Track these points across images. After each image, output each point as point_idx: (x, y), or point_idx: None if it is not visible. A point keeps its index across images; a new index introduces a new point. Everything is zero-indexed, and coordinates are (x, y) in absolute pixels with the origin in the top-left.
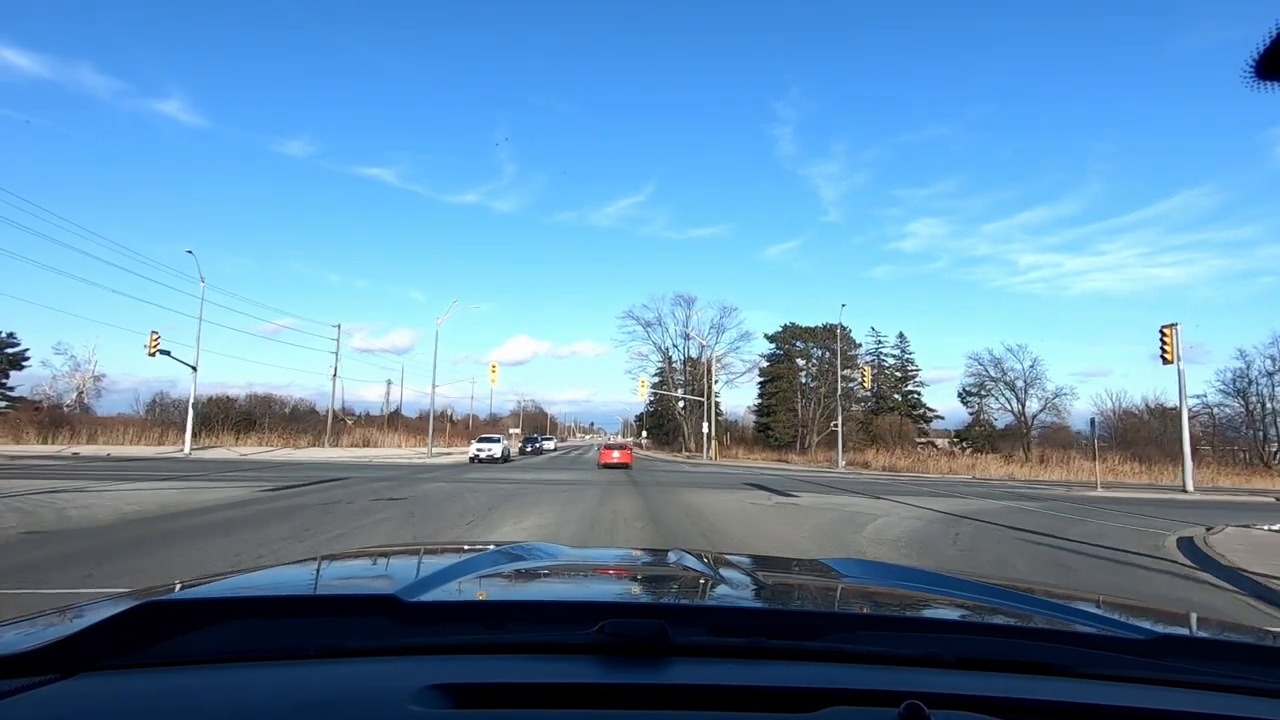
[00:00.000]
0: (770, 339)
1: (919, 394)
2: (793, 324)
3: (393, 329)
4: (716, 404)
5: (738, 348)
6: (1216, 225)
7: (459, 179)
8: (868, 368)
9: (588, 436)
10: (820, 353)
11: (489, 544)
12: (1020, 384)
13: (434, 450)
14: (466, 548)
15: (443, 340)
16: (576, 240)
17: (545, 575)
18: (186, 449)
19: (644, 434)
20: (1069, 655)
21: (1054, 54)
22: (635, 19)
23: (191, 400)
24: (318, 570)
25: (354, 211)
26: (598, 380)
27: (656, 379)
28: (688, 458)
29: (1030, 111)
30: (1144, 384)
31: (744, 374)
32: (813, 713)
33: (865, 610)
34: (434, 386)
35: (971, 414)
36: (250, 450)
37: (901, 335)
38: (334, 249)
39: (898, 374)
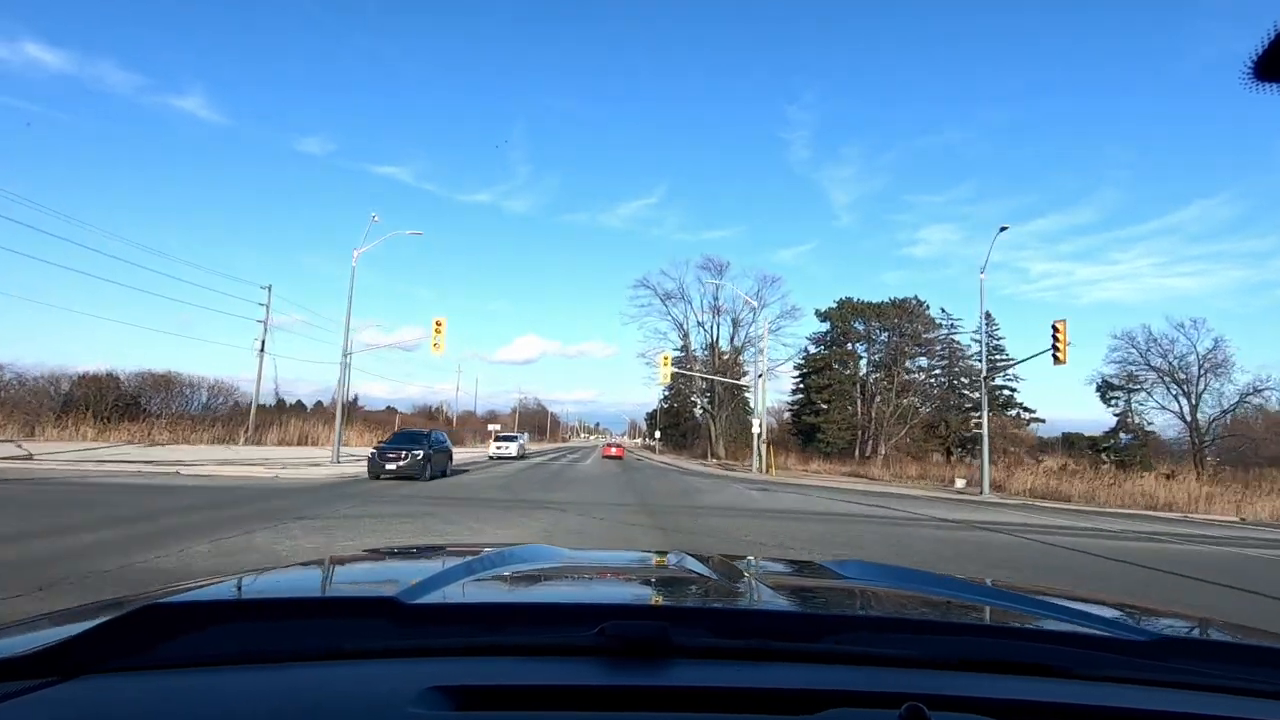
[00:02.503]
0: (822, 316)
1: (1014, 390)
2: (850, 299)
3: (401, 325)
4: (746, 399)
5: (779, 328)
6: (1234, 236)
7: (472, 178)
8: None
9: (593, 437)
10: (886, 336)
11: (489, 546)
12: (1194, 374)
13: (340, 454)
14: (467, 550)
15: (448, 336)
16: (588, 241)
17: (546, 577)
18: None
19: (657, 435)
20: (1070, 657)
21: (1072, 60)
22: (650, 23)
23: None
24: (318, 572)
25: (367, 209)
26: (605, 381)
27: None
28: (718, 466)
29: (1047, 117)
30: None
31: (785, 362)
32: (814, 715)
33: (866, 612)
34: (346, 359)
35: (1117, 416)
36: (92, 447)
37: (988, 317)
38: (348, 245)
39: (987, 363)
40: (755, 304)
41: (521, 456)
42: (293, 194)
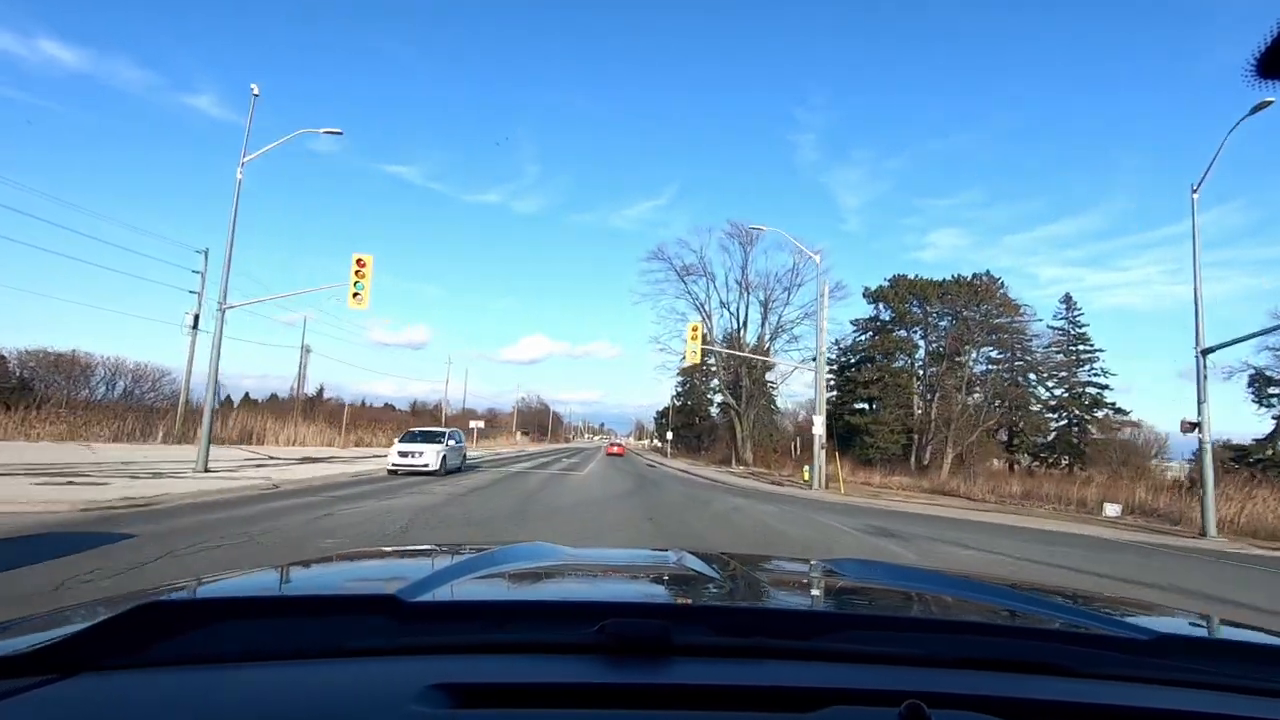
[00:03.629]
0: (871, 297)
1: (1106, 386)
2: (905, 276)
3: (410, 324)
4: (773, 396)
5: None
6: (1246, 243)
7: (481, 178)
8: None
9: (596, 438)
10: (948, 322)
11: (490, 545)
12: None
13: (205, 460)
14: (467, 548)
15: (451, 335)
16: (596, 242)
17: (546, 575)
18: None
19: (669, 436)
20: (1071, 655)
21: (1084, 64)
22: (660, 24)
23: None
24: (319, 570)
25: (377, 207)
26: (611, 382)
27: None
28: (750, 475)
29: (1058, 121)
30: (1165, 403)
31: (800, 364)
32: (813, 712)
33: (866, 610)
34: (221, 311)
35: (1276, 418)
36: None
37: (1067, 299)
38: (356, 243)
39: (1068, 355)
40: (774, 298)
41: (456, 470)
42: (302, 192)
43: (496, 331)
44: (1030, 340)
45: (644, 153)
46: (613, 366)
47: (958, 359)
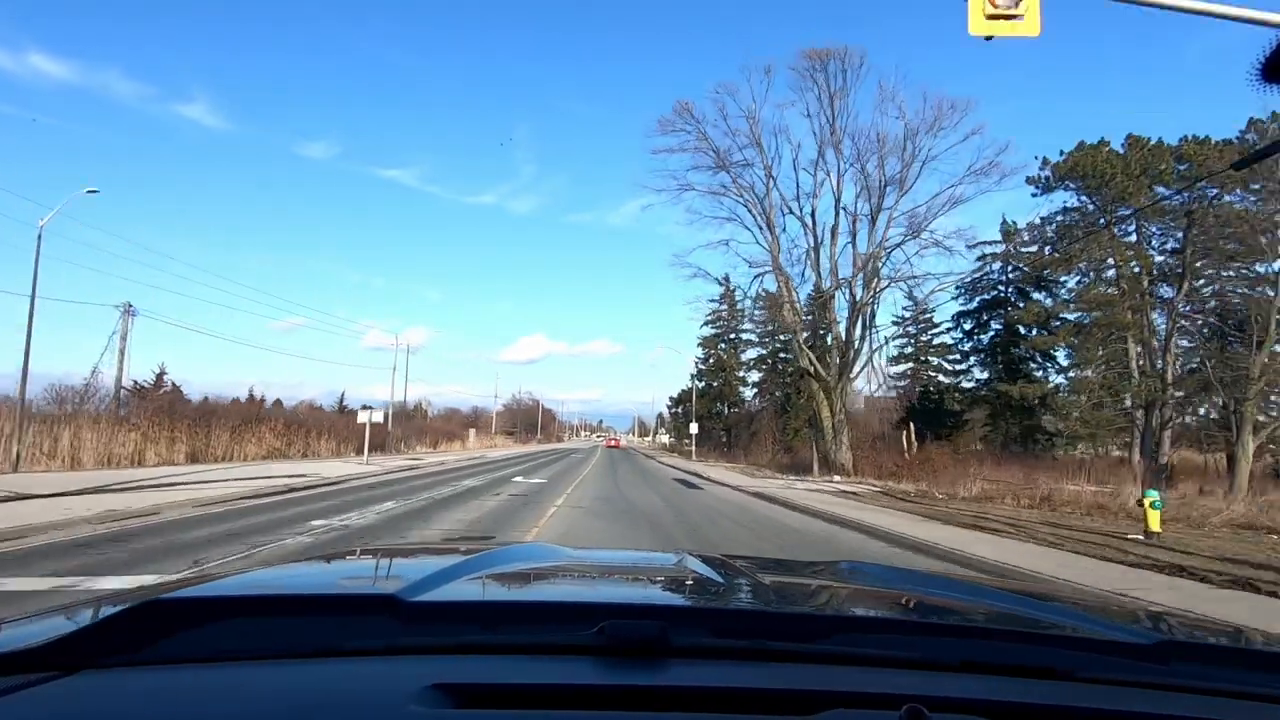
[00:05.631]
0: (1045, 180)
1: None
2: (1104, 143)
3: (407, 327)
4: (849, 376)
5: (957, 203)
6: None
7: (477, 180)
8: None
9: (594, 436)
10: (1184, 230)
11: (490, 545)
12: None
13: None
14: (467, 549)
15: (451, 334)
16: (593, 240)
17: (546, 576)
18: None
19: (694, 429)
20: (1072, 659)
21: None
22: (655, 23)
23: None
24: (320, 569)
25: (374, 211)
26: (610, 380)
27: (719, 305)
28: (887, 501)
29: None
30: None
31: (947, 284)
32: (813, 715)
33: (866, 613)
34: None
35: None
36: None
37: None
38: (353, 248)
39: None
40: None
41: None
42: (297, 198)
43: (495, 333)
44: None
45: (638, 149)
46: (613, 364)
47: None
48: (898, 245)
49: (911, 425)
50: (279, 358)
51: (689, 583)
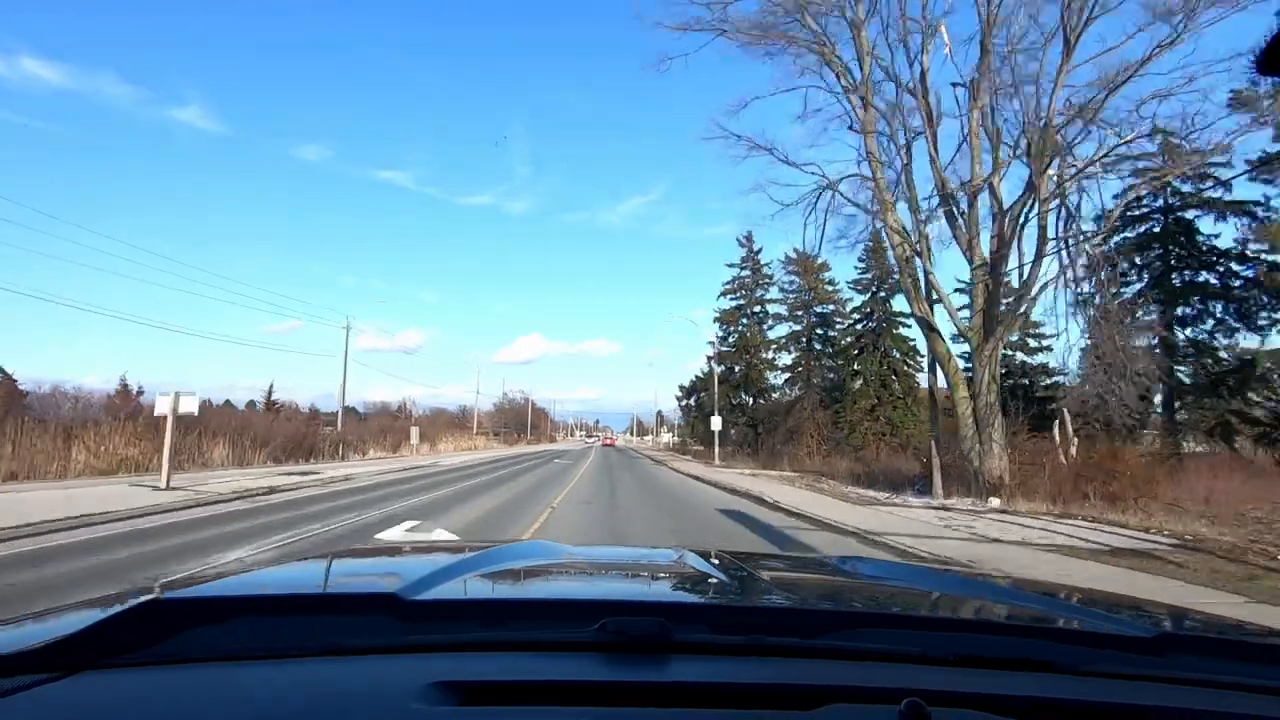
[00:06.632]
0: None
1: None
2: None
3: (403, 329)
4: (1007, 327)
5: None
6: None
7: (473, 181)
8: None
9: (589, 436)
10: None
11: (490, 543)
12: None
13: None
14: (468, 547)
15: (450, 336)
16: (588, 240)
17: (547, 573)
18: None
19: (715, 424)
20: (1072, 653)
21: None
22: (652, 21)
23: None
24: (320, 568)
25: (370, 214)
26: (608, 380)
27: (740, 270)
28: (1068, 547)
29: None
30: None
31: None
32: (813, 710)
33: (867, 608)
34: None
35: None
36: None
37: None
38: (349, 251)
39: None
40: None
41: None
42: (293, 201)
43: (493, 334)
44: None
45: (634, 149)
46: (611, 363)
47: None
48: (1097, 102)
49: (1066, 413)
50: (278, 359)
51: (689, 579)
